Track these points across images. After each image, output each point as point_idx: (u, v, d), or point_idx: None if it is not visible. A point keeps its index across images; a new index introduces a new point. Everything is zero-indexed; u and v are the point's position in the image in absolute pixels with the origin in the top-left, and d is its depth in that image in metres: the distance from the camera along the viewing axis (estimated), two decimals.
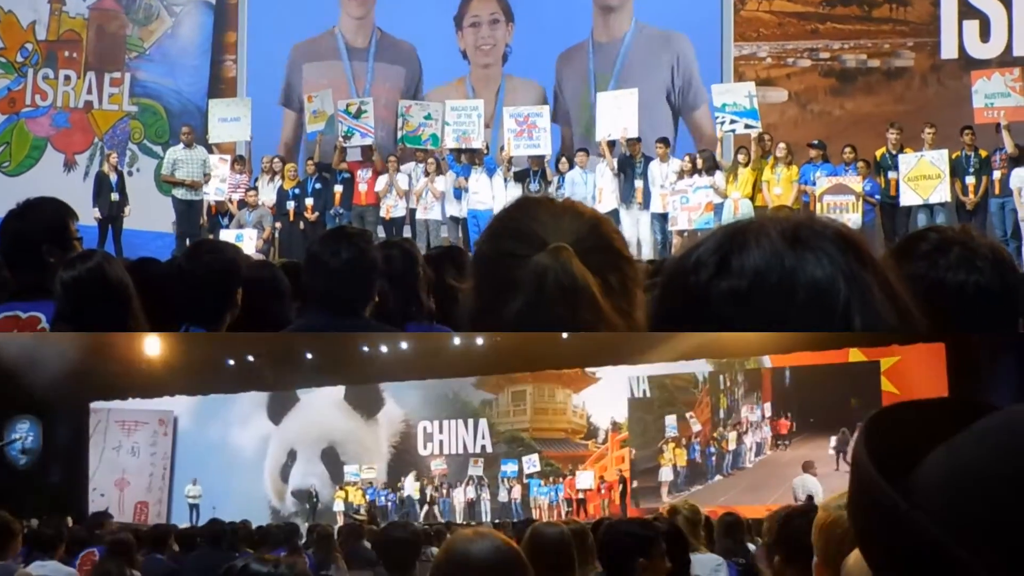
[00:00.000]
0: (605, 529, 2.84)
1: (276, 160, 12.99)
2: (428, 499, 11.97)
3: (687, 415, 10.97)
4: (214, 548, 5.72)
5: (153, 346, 11.00)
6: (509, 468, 11.78)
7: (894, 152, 11.51)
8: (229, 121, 13.09)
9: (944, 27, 13.38)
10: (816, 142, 12.06)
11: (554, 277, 1.23)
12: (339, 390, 12.53)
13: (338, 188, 12.44)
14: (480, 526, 5.67)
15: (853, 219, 10.19)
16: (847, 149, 11.65)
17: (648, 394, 11.15)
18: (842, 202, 10.81)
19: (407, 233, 12.17)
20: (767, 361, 10.58)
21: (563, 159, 12.29)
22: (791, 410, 10.36)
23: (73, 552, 5.44)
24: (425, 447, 12.39)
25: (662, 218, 11.65)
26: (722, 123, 11.85)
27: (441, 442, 12.32)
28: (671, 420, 10.95)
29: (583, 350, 10.60)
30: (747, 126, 11.81)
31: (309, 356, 11.51)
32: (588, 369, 11.40)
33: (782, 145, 11.75)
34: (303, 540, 6.56)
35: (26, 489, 11.15)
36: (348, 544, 6.88)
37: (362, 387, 12.41)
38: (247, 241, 11.26)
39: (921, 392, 9.40)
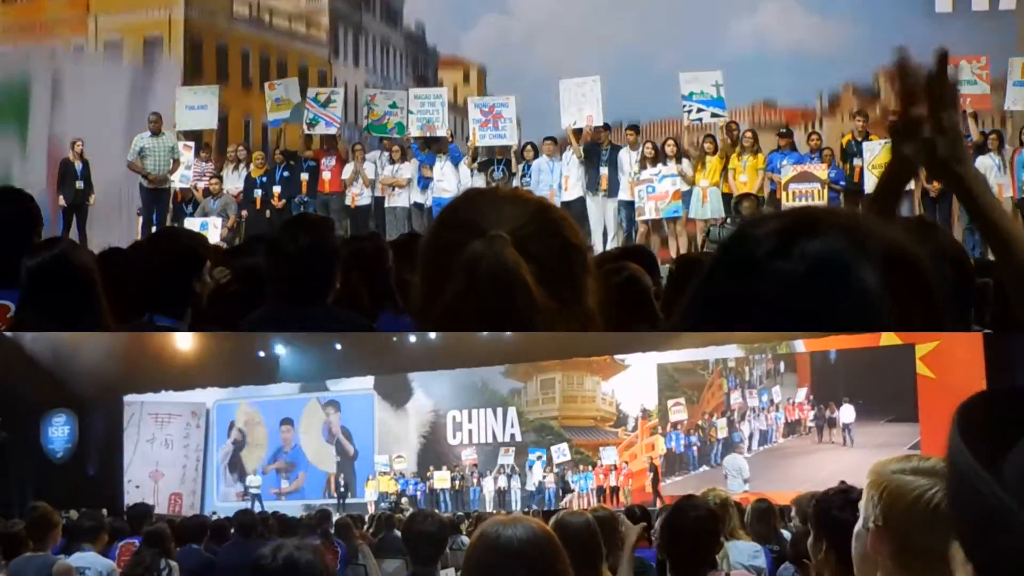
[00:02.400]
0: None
1: (241, 148, 12.97)
2: (458, 488, 12.02)
3: (669, 402, 10.97)
4: (246, 538, 5.77)
5: (184, 340, 11.11)
6: (537, 456, 11.80)
7: (859, 139, 11.44)
8: (196, 109, 13.06)
9: None
10: (783, 130, 12.12)
11: (486, 265, 1.22)
12: (368, 380, 12.60)
13: (304, 176, 12.42)
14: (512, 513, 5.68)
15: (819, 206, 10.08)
16: (812, 136, 11.68)
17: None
18: (807, 190, 10.77)
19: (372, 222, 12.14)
20: (799, 346, 10.50)
21: (528, 147, 12.24)
22: (832, 395, 10.25)
23: (111, 543, 5.51)
24: (454, 437, 12.43)
25: (628, 206, 11.58)
26: (689, 112, 11.86)
27: (470, 431, 12.36)
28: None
29: (613, 336, 10.57)
30: (714, 115, 11.86)
31: (338, 347, 11.57)
32: (617, 356, 11.37)
33: (748, 133, 11.74)
34: (333, 529, 6.59)
35: (63, 482, 11.32)
36: (380, 533, 6.93)
37: (391, 377, 12.47)
38: (212, 229, 11.23)
39: (959, 378, 9.28)
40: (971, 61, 11.19)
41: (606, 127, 12.14)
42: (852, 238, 0.93)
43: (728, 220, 10.85)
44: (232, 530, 6.18)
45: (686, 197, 11.28)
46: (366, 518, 8.56)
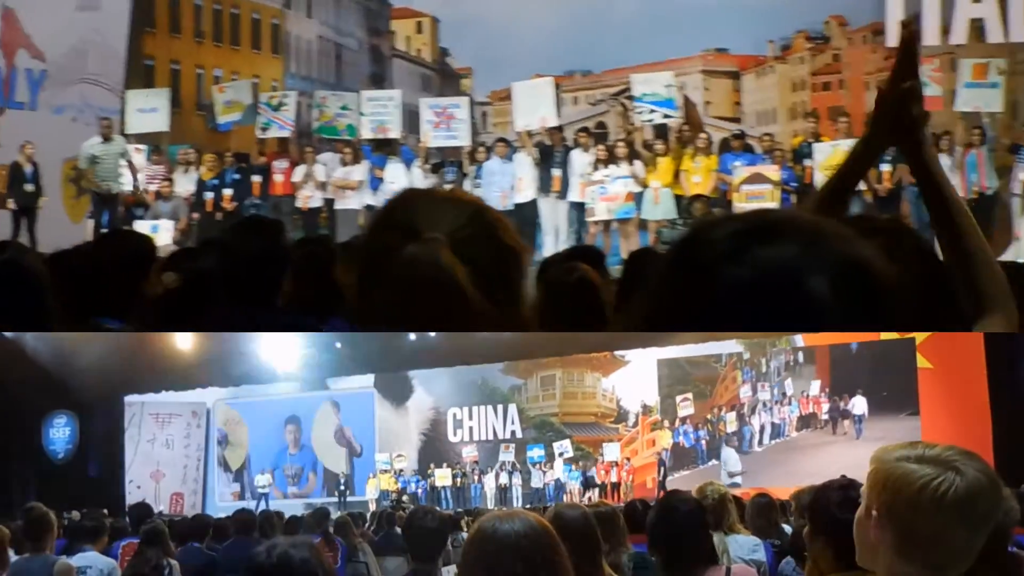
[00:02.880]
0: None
1: (191, 151, 12.91)
2: (459, 485, 12.03)
3: (677, 397, 10.99)
4: (246, 537, 5.77)
5: (184, 340, 11.11)
6: (537, 453, 11.81)
7: (810, 141, 11.51)
8: (147, 112, 13.00)
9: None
10: (737, 131, 12.15)
11: (421, 268, 1.22)
12: (369, 378, 12.61)
13: (256, 178, 12.39)
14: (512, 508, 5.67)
15: (770, 208, 10.12)
16: (764, 137, 11.73)
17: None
18: (759, 191, 10.79)
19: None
20: (798, 340, 10.52)
21: (480, 149, 12.24)
22: (847, 387, 10.26)
23: (112, 543, 5.51)
24: (455, 434, 12.44)
25: (579, 207, 11.58)
26: (641, 113, 11.88)
27: (471, 429, 12.36)
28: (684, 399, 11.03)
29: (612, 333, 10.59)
30: (665, 116, 11.89)
31: (339, 345, 11.57)
32: (617, 352, 11.37)
33: (703, 135, 11.76)
34: (333, 528, 6.59)
35: (64, 482, 11.33)
36: (381, 531, 6.93)
37: (391, 375, 12.47)
38: (163, 232, 11.20)
39: (959, 367, 9.29)
40: (923, 63, 11.24)
41: (559, 129, 12.20)
42: (807, 245, 0.91)
43: (680, 221, 10.86)
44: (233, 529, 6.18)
45: (638, 198, 11.31)
46: (367, 516, 8.57)
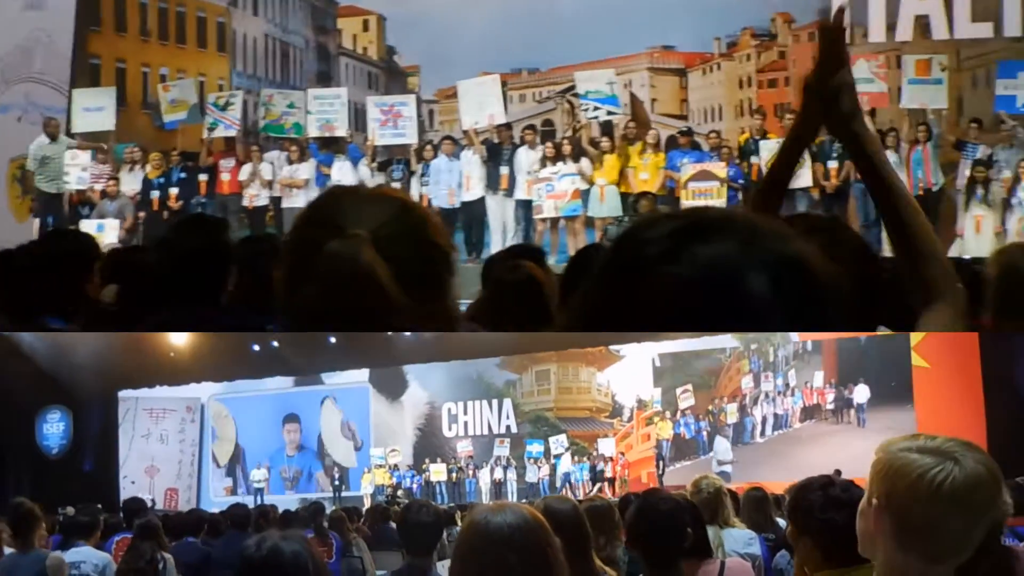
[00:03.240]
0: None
1: (137, 150, 12.79)
2: (454, 480, 12.04)
3: (677, 389, 11.01)
4: (241, 531, 5.76)
5: (178, 335, 11.09)
6: (534, 448, 11.81)
7: (757, 138, 11.54)
8: (93, 111, 12.87)
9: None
10: (684, 128, 12.15)
11: (342, 265, 1.23)
12: (363, 373, 12.60)
13: (203, 177, 12.32)
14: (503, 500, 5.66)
15: (717, 205, 10.18)
16: (711, 134, 11.71)
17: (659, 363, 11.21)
18: (706, 188, 10.80)
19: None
20: (793, 336, 10.53)
21: (428, 147, 12.21)
22: (851, 377, 10.28)
23: (106, 538, 5.50)
24: (450, 429, 12.44)
25: (526, 204, 11.56)
26: (586, 110, 11.91)
27: (466, 423, 12.37)
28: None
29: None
30: (609, 112, 11.89)
31: (333, 340, 11.56)
32: (612, 347, 11.38)
33: (652, 132, 11.77)
34: (327, 522, 6.58)
35: (59, 478, 11.31)
36: (375, 525, 6.92)
37: (386, 370, 12.47)
38: (109, 231, 11.17)
39: (953, 365, 9.31)
40: (868, 59, 11.30)
41: (507, 126, 12.19)
42: (745, 243, 0.91)
43: (627, 218, 10.87)
44: (226, 523, 6.17)
45: (585, 196, 11.30)
46: (362, 511, 8.56)
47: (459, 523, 6.56)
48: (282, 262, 1.31)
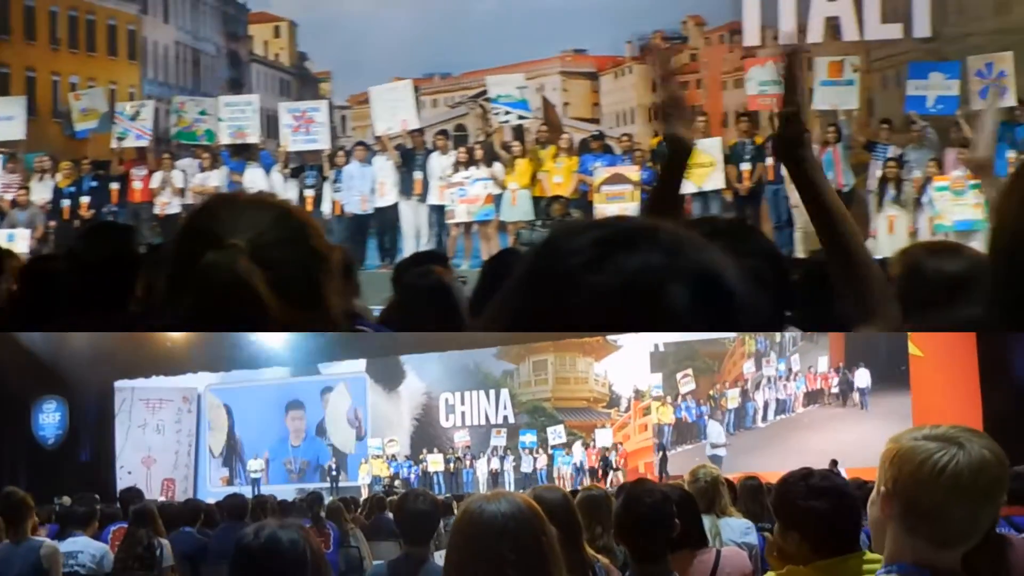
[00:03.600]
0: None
1: (47, 159, 12.74)
2: (452, 470, 12.05)
3: (678, 375, 11.02)
4: (238, 521, 5.76)
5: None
6: (529, 439, 11.83)
7: None
8: (3, 120, 12.81)
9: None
10: (596, 132, 12.13)
11: (218, 275, 1.26)
12: (360, 363, 12.60)
13: (114, 186, 12.29)
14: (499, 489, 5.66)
15: (631, 208, 10.19)
16: (623, 137, 11.71)
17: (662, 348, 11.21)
18: (619, 191, 10.82)
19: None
20: None
21: (340, 153, 12.21)
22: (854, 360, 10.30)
23: (102, 527, 5.50)
24: (447, 419, 12.45)
25: (439, 210, 11.59)
26: (498, 114, 11.93)
27: (463, 414, 12.38)
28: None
29: None
30: (521, 117, 11.93)
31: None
32: (610, 337, 11.39)
33: (565, 135, 11.78)
34: (325, 512, 6.59)
35: (55, 468, 11.30)
36: (372, 515, 6.93)
37: (383, 360, 12.46)
38: (19, 240, 11.08)
39: (948, 353, 9.33)
40: (779, 61, 11.29)
41: (420, 132, 12.21)
42: (667, 253, 0.93)
43: (539, 222, 10.87)
44: (223, 513, 6.17)
45: (497, 200, 11.30)
46: (360, 501, 8.57)
47: (456, 512, 6.58)
48: (161, 272, 1.35)
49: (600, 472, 11.21)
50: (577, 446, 11.61)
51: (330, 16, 14.45)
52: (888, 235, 10.17)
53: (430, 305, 3.01)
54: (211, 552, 5.59)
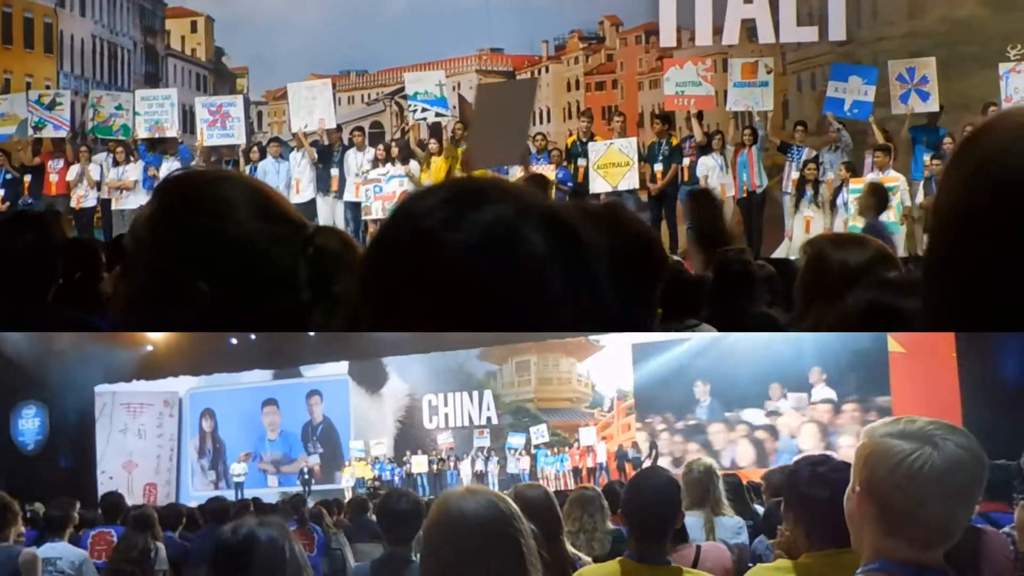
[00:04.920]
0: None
1: None
2: (436, 472, 12.02)
3: None
4: (220, 525, 5.72)
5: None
6: (515, 440, 11.81)
7: (584, 140, 11.63)
8: None
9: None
10: None
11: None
12: (343, 365, 12.55)
13: (27, 178, 12.24)
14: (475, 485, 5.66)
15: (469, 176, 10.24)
16: (539, 137, 11.85)
17: None
18: None
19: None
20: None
21: (255, 148, 12.26)
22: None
23: (82, 531, 5.46)
24: (431, 420, 12.42)
25: (355, 206, 11.64)
26: (414, 111, 11.98)
27: (447, 415, 12.36)
28: None
29: None
30: (438, 114, 11.99)
31: (312, 332, 11.48)
32: (592, 337, 11.40)
33: None
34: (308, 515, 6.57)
35: (35, 474, 11.19)
36: (356, 517, 6.91)
37: (366, 362, 12.43)
38: None
39: (927, 349, 9.39)
40: (696, 63, 11.45)
41: (337, 128, 12.24)
42: (517, 206, 0.94)
43: None
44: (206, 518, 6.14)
45: None
46: (344, 503, 8.54)
47: None
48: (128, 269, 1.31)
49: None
50: (600, 447, 11.44)
51: (247, 12, 14.46)
52: (804, 235, 10.25)
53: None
54: (192, 555, 5.56)
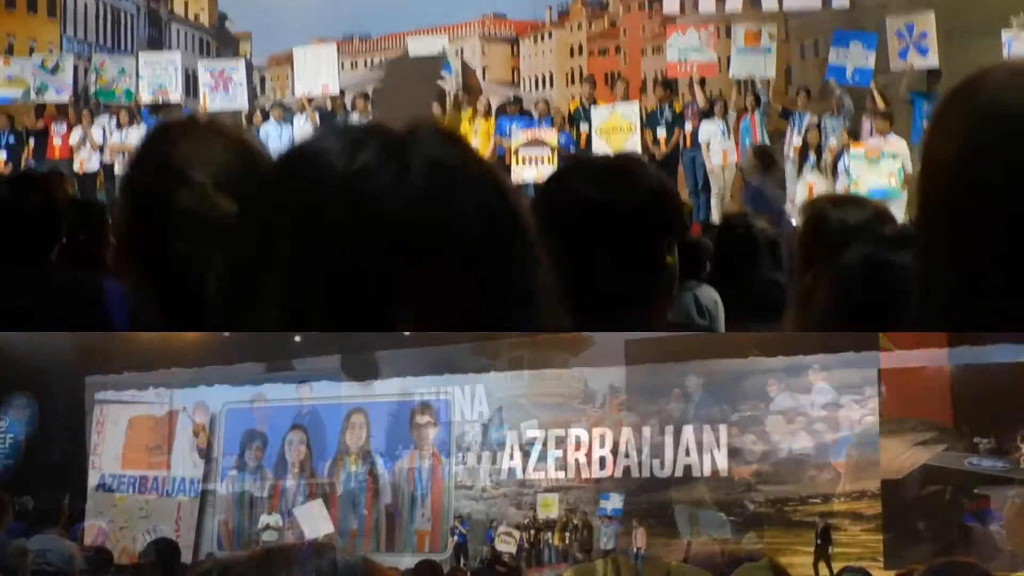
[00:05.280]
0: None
1: None
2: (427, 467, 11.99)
3: None
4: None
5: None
6: (508, 435, 11.78)
7: (587, 105, 11.56)
8: None
9: None
10: (513, 97, 12.31)
11: (193, 218, 1.18)
12: (334, 359, 12.49)
13: (31, 141, 12.27)
14: None
15: (549, 171, 10.24)
16: (540, 102, 11.88)
17: None
18: (537, 155, 10.85)
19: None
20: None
21: (258, 113, 12.20)
22: None
23: (73, 524, 5.44)
24: (423, 415, 12.37)
25: None
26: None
27: (439, 410, 12.31)
28: None
29: None
30: (441, 79, 12.14)
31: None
32: (584, 332, 11.38)
33: (482, 98, 11.86)
34: None
35: (25, 466, 11.14)
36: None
37: (358, 356, 12.37)
38: None
39: (919, 344, 9.38)
40: (699, 29, 11.44)
41: (340, 94, 12.21)
42: (442, 139, 0.87)
43: None
44: None
45: None
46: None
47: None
48: (119, 209, 1.26)
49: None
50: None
51: None
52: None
53: None
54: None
